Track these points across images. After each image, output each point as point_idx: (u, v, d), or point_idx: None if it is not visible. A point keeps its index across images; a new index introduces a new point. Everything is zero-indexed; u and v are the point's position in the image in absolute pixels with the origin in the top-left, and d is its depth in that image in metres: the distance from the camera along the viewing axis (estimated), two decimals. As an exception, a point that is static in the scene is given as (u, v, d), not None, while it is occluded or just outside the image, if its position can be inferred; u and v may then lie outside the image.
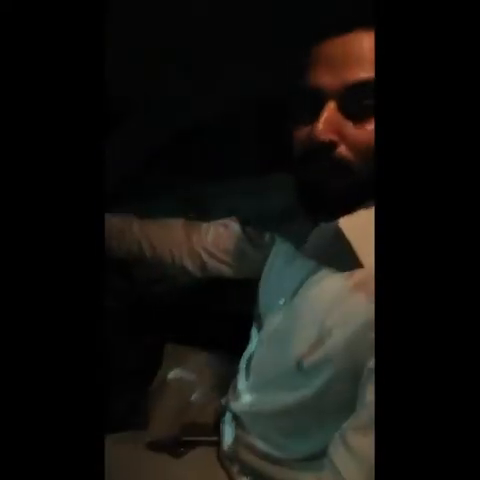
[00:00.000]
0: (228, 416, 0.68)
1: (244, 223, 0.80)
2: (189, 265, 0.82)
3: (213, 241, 0.80)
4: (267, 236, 0.77)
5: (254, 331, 0.70)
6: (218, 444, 0.69)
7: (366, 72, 0.47)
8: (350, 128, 0.49)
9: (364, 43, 0.48)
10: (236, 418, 0.65)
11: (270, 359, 0.60)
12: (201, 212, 0.86)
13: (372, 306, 0.47)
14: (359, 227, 0.51)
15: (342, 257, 0.53)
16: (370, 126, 0.49)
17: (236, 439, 0.64)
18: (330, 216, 0.52)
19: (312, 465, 0.53)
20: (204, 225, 0.83)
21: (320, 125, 0.49)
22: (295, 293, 0.59)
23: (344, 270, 0.53)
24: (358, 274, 0.51)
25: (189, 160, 0.90)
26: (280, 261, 0.67)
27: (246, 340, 0.72)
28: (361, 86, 0.48)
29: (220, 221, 0.82)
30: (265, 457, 0.60)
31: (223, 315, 0.94)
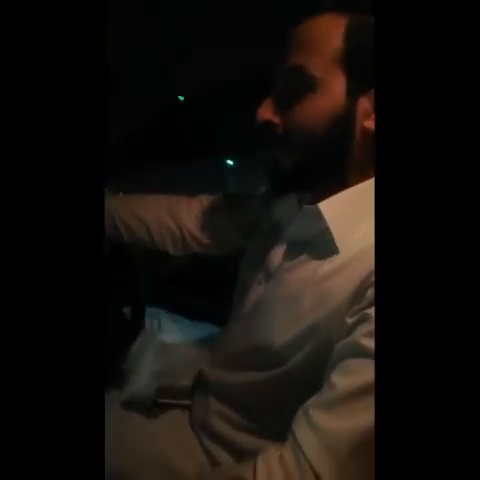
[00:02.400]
0: (202, 383, 0.70)
1: (230, 200, 0.80)
2: (171, 248, 0.81)
3: (196, 222, 0.79)
4: (253, 214, 0.76)
5: (235, 303, 0.71)
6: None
7: (300, 58, 0.52)
8: (286, 110, 0.54)
9: (311, 32, 0.52)
10: (209, 386, 0.67)
11: (247, 335, 0.61)
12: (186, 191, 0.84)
13: (345, 291, 0.50)
14: (340, 211, 0.53)
15: (320, 241, 0.55)
16: (303, 106, 0.52)
17: (207, 406, 0.66)
18: (282, 190, 0.59)
19: (280, 434, 0.55)
20: (187, 202, 0.81)
21: (260, 108, 0.55)
22: (274, 273, 0.60)
23: (321, 253, 0.54)
24: (334, 260, 0.53)
25: (173, 138, 0.89)
26: (265, 239, 0.68)
27: (227, 311, 0.73)
28: (294, 70, 0.52)
29: (204, 198, 0.81)
30: (234, 424, 0.62)
31: (208, 285, 0.95)
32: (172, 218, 0.80)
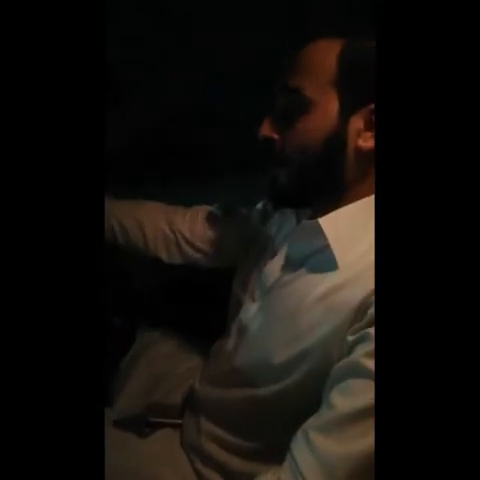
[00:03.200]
0: (193, 400, 0.69)
1: (226, 212, 0.80)
2: (164, 254, 0.80)
3: (191, 228, 0.79)
4: (249, 228, 0.77)
5: (228, 320, 0.71)
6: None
7: (296, 80, 0.55)
8: (286, 127, 0.56)
9: (308, 57, 0.55)
10: (201, 404, 0.66)
11: (240, 352, 0.61)
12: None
13: (346, 309, 0.49)
14: (339, 228, 0.54)
15: (320, 256, 0.55)
16: (298, 125, 0.55)
17: (199, 427, 0.65)
18: (279, 205, 0.62)
19: (273, 457, 0.55)
20: (184, 210, 0.81)
21: (261, 125, 0.58)
22: (270, 289, 0.60)
23: (320, 270, 0.55)
24: (333, 277, 0.53)
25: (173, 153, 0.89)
26: (259, 254, 0.68)
27: (220, 326, 0.72)
28: (290, 91, 0.55)
29: (200, 207, 0.81)
30: (227, 447, 0.61)
31: (198, 300, 0.93)
32: (167, 223, 0.80)
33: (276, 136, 0.57)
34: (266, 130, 0.57)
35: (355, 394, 0.45)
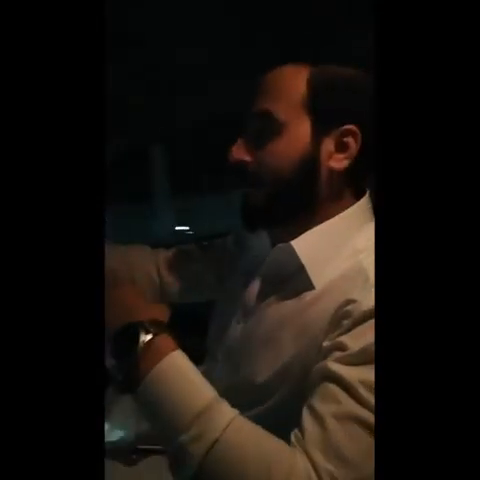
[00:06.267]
0: None
1: (201, 247, 0.81)
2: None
3: (170, 268, 0.79)
4: (225, 256, 0.77)
5: (209, 346, 0.71)
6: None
7: (268, 104, 0.56)
8: (258, 150, 0.57)
9: (276, 81, 0.57)
10: None
11: (225, 376, 0.61)
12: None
13: (321, 321, 0.51)
14: (312, 248, 0.55)
15: (296, 278, 0.56)
16: (271, 147, 0.56)
17: None
18: (254, 226, 0.61)
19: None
20: (164, 252, 0.82)
21: (233, 147, 0.58)
22: (251, 311, 0.61)
23: (297, 290, 0.56)
24: (309, 292, 0.54)
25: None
26: (238, 279, 0.69)
27: (201, 353, 0.73)
28: (262, 115, 0.56)
29: (178, 247, 0.82)
30: None
31: (180, 327, 0.94)
32: (154, 265, 0.80)
33: (248, 158, 0.58)
34: (238, 153, 0.58)
35: (331, 399, 0.45)
